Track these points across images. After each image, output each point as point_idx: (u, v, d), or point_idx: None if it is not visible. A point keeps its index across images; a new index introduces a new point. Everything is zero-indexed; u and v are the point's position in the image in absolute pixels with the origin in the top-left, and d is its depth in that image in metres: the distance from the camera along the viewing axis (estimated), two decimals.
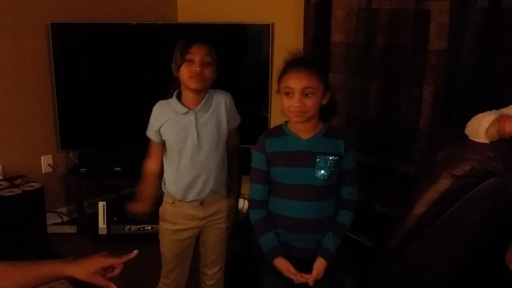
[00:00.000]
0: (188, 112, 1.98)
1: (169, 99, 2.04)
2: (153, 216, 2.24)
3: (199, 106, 1.99)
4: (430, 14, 2.39)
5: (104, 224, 3.21)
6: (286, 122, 1.93)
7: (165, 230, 2.14)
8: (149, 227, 3.18)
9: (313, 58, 1.85)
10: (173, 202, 2.10)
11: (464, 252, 1.82)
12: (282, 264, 1.86)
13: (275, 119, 3.37)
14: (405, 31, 2.55)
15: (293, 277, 1.84)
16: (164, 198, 2.15)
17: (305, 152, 1.84)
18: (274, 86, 3.29)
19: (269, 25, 3.22)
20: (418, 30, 2.49)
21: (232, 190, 2.19)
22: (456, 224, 1.79)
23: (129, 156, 3.04)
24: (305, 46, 2.91)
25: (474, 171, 1.67)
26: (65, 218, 3.45)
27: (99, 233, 3.22)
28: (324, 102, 1.82)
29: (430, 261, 1.89)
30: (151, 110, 2.06)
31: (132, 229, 3.21)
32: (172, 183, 2.07)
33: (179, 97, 2.02)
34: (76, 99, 3.23)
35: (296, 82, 1.76)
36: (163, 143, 2.06)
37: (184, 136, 1.98)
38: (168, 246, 2.16)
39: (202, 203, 2.08)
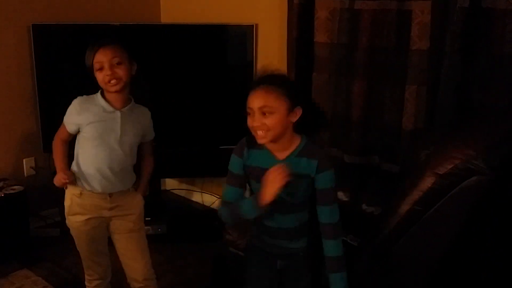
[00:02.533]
0: (114, 111, 2.07)
1: (94, 95, 2.11)
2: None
3: (125, 108, 2.09)
4: (412, 14, 2.41)
5: None
6: None
7: (75, 223, 2.17)
8: None
9: (277, 75, 1.79)
10: (80, 193, 2.13)
11: (448, 249, 1.84)
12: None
13: None
14: (388, 31, 2.57)
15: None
16: (70, 191, 2.17)
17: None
18: None
19: (252, 25, 3.22)
20: (400, 30, 2.51)
21: (140, 187, 2.26)
22: (439, 222, 1.80)
23: None
24: (289, 47, 2.92)
25: (456, 170, 1.68)
26: (48, 221, 3.41)
27: None
28: (293, 119, 1.74)
29: (415, 258, 1.90)
30: None
31: None
32: (85, 173, 2.10)
33: (103, 95, 2.10)
34: (59, 101, 3.18)
35: (254, 101, 1.71)
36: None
37: (107, 131, 2.06)
38: (81, 238, 2.21)
39: (110, 195, 2.14)
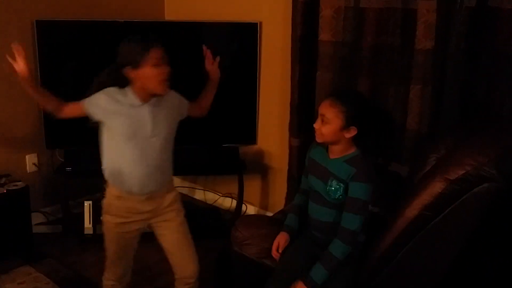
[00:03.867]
0: (142, 104, 1.99)
1: (122, 90, 2.02)
2: None
3: (151, 101, 2.01)
4: (417, 13, 2.40)
5: (90, 224, 3.18)
6: None
7: (109, 222, 2.14)
8: None
9: (349, 93, 2.26)
10: (119, 196, 2.09)
11: (456, 254, 1.83)
12: (279, 237, 2.14)
13: (262, 119, 3.36)
14: (393, 30, 2.55)
15: (272, 249, 2.13)
16: (110, 191, 2.13)
17: (325, 169, 2.05)
18: (262, 85, 3.30)
19: (256, 23, 3.21)
20: (405, 29, 2.50)
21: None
22: (449, 228, 1.79)
23: None
24: (293, 45, 2.91)
25: (468, 176, 1.67)
26: (51, 218, 3.41)
27: (85, 233, 3.20)
28: (347, 135, 1.98)
29: (423, 263, 1.90)
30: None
31: None
32: (119, 175, 2.05)
33: (132, 90, 2.01)
34: (62, 98, 3.18)
35: (321, 108, 2.01)
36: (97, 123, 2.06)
37: (138, 128, 1.99)
38: (112, 238, 2.17)
39: (148, 196, 2.08)
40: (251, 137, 3.38)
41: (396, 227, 1.87)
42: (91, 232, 3.19)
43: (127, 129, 1.99)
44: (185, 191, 3.93)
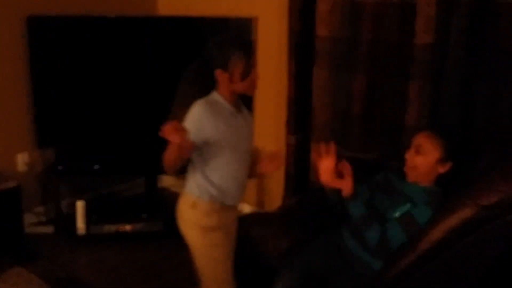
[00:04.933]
0: (237, 114, 1.94)
1: (210, 97, 1.92)
2: (132, 214, 2.18)
3: (237, 108, 1.95)
4: (416, 7, 2.35)
5: (82, 224, 3.13)
6: None
7: (217, 239, 1.98)
8: (128, 227, 3.12)
9: (446, 126, 2.26)
10: (220, 207, 1.98)
11: (479, 279, 1.80)
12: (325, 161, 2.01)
13: (258, 117, 3.32)
14: (391, 25, 2.51)
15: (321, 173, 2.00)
16: (207, 206, 1.98)
17: (402, 192, 2.01)
18: (259, 83, 3.25)
19: (252, 18, 3.16)
20: (404, 24, 2.45)
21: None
22: (475, 253, 1.77)
23: (108, 154, 2.97)
24: (290, 41, 2.86)
25: (502, 203, 1.64)
26: (43, 218, 3.37)
27: (78, 233, 3.15)
28: (441, 170, 1.96)
29: (442, 285, 1.86)
30: (131, 105, 1.98)
31: (111, 229, 3.15)
32: (224, 188, 1.95)
33: (220, 96, 1.93)
34: (54, 95, 3.14)
35: (416, 138, 2.01)
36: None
37: (238, 139, 1.93)
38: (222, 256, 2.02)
39: (235, 207, 2.07)
40: None
41: (420, 247, 1.81)
42: (84, 232, 3.14)
43: (229, 139, 1.90)
44: (179, 190, 3.88)
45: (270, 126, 3.29)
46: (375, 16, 2.54)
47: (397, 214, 1.92)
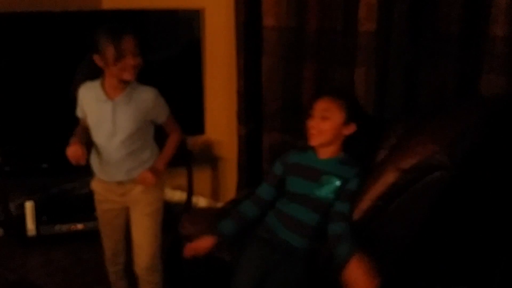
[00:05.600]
0: (106, 101, 2.02)
1: (94, 82, 2.07)
2: (84, 213, 2.16)
3: (119, 96, 2.01)
4: None
5: (33, 225, 3.05)
6: None
7: (95, 201, 2.26)
8: (80, 225, 3.07)
9: (343, 88, 2.30)
10: (96, 177, 2.20)
11: (409, 244, 1.83)
12: (205, 240, 2.03)
13: (210, 108, 3.31)
14: (335, 13, 2.54)
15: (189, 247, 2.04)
16: (94, 180, 2.24)
17: (316, 169, 1.97)
18: (207, 73, 3.24)
19: (199, 10, 3.14)
20: (347, 12, 2.49)
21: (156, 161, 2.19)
22: (401, 218, 1.80)
23: (56, 152, 2.88)
24: (237, 31, 2.86)
25: (420, 165, 1.67)
26: None
27: (28, 234, 3.06)
28: (346, 132, 1.96)
29: (376, 252, 1.85)
30: (76, 102, 2.11)
31: (63, 229, 3.09)
32: (93, 160, 2.16)
33: (102, 82, 2.04)
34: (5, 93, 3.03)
35: (318, 104, 1.96)
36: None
37: (99, 122, 2.05)
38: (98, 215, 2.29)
39: (120, 183, 2.14)
40: (199, 127, 3.31)
41: (352, 218, 1.84)
42: (34, 233, 3.06)
43: (92, 122, 2.07)
44: None
45: (221, 117, 3.28)
46: (320, 4, 2.57)
47: (323, 193, 1.93)
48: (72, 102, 2.13)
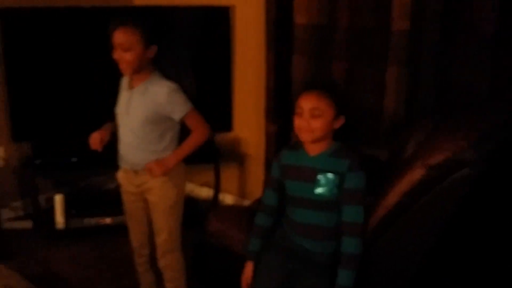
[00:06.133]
0: (128, 90, 2.12)
1: None
2: (112, 207, 2.17)
3: (138, 87, 2.09)
4: None
5: (61, 218, 3.09)
6: None
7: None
8: (108, 220, 3.09)
9: (329, 82, 2.21)
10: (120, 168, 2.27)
11: (435, 241, 1.80)
12: (247, 270, 2.01)
13: (238, 106, 3.30)
14: (368, 12, 2.51)
15: (242, 283, 2.03)
16: None
17: (309, 168, 1.93)
18: (237, 71, 3.23)
19: (229, 7, 3.13)
20: (380, 10, 2.46)
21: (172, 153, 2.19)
22: (428, 214, 1.77)
23: (86, 146, 2.92)
24: (267, 29, 2.84)
25: (448, 162, 1.64)
26: (21, 213, 3.31)
27: (57, 227, 3.10)
28: (336, 126, 1.93)
29: (401, 250, 1.87)
30: (108, 98, 2.19)
31: (91, 222, 3.12)
32: (118, 149, 2.22)
33: None
34: (29, 88, 3.08)
35: (306, 102, 1.88)
36: None
37: (119, 109, 2.16)
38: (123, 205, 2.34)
39: (136, 172, 2.18)
40: (227, 124, 3.31)
41: (376, 215, 1.83)
42: (63, 226, 3.10)
43: (117, 109, 2.18)
44: None
45: (250, 115, 3.27)
46: (352, 2, 2.54)
47: (323, 191, 1.89)
48: (102, 97, 2.16)
